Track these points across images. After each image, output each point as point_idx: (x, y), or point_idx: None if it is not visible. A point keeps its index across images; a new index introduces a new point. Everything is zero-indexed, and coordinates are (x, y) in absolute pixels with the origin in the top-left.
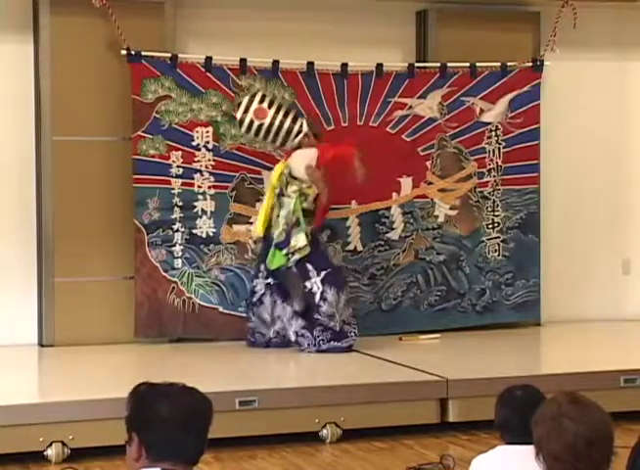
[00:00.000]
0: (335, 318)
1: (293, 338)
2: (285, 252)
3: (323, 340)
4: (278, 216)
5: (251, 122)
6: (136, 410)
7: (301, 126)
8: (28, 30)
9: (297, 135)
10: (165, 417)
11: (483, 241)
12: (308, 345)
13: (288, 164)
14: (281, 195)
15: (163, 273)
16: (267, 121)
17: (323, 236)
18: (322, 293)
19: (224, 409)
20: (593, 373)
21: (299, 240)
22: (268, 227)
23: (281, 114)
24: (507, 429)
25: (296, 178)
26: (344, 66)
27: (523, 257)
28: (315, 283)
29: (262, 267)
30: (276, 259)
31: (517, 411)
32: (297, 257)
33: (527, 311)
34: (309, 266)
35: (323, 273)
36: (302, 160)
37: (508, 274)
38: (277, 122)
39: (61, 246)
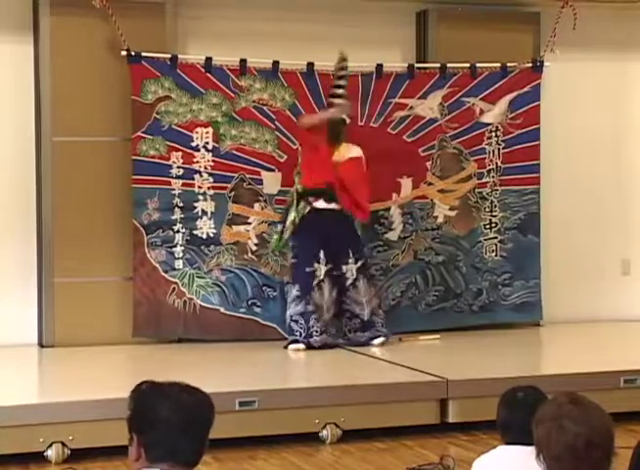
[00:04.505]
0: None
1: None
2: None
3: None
4: None
5: None
6: (136, 411)
7: None
8: (28, 30)
9: None
10: (165, 418)
11: (481, 241)
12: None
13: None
14: None
15: (163, 274)
16: None
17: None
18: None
19: (224, 410)
20: (593, 373)
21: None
22: None
23: None
24: (508, 430)
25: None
26: None
27: (522, 257)
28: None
29: None
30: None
31: (518, 412)
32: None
33: (527, 312)
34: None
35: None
36: None
37: (505, 274)
38: None
39: (61, 246)
